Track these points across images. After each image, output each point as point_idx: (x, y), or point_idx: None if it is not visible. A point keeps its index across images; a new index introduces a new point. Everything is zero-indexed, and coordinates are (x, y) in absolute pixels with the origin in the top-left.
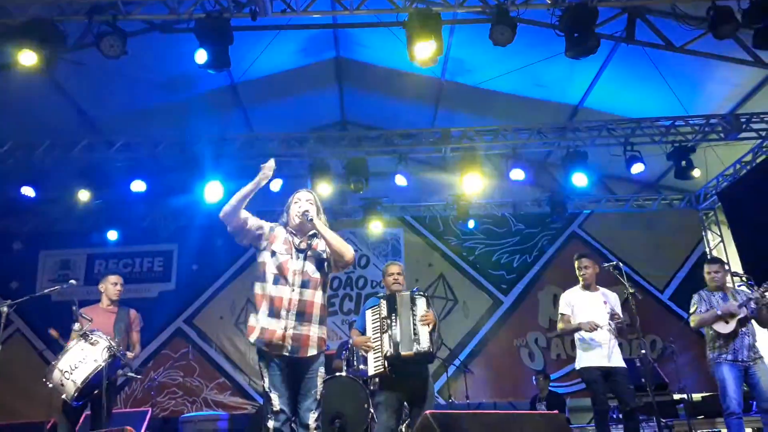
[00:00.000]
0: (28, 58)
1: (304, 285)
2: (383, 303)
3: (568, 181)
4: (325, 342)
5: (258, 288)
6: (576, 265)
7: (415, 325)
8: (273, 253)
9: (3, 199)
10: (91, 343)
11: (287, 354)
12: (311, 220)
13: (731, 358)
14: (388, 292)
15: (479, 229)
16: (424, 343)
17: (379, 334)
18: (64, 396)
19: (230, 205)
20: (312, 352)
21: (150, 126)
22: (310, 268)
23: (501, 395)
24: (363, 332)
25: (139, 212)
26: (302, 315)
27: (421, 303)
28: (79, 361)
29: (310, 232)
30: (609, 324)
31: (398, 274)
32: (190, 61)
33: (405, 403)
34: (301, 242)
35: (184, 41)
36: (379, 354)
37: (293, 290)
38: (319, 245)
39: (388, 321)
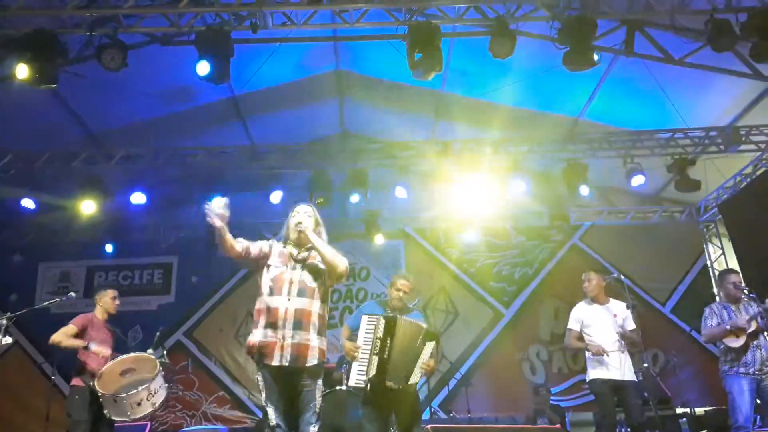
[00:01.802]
0: (28, 70)
1: (300, 294)
2: (382, 322)
3: (568, 193)
4: (325, 354)
5: (257, 303)
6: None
7: (414, 366)
8: (269, 267)
9: (3, 210)
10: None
11: (286, 364)
12: (302, 231)
13: (743, 371)
14: (389, 308)
15: (480, 241)
16: (411, 385)
17: (368, 352)
18: (130, 414)
19: (220, 247)
20: (312, 362)
21: (150, 138)
22: (307, 277)
23: (502, 409)
24: (354, 332)
25: (138, 224)
26: (299, 324)
27: (428, 348)
28: (160, 386)
29: (309, 245)
30: (618, 337)
31: (404, 292)
32: (190, 73)
33: (393, 414)
34: (298, 253)
35: (185, 54)
36: (363, 372)
37: (289, 300)
38: (317, 257)
39: (382, 345)
